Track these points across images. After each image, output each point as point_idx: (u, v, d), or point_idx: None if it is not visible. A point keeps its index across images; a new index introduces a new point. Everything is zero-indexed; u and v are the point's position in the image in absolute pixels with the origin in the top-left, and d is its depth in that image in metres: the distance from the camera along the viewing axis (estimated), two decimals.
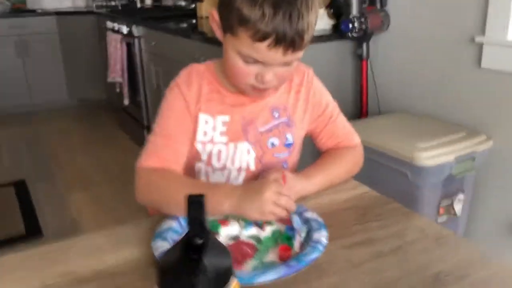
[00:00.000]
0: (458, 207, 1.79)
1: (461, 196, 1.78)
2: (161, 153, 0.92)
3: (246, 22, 0.79)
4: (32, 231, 2.41)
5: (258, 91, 0.90)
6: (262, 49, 0.80)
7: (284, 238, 0.80)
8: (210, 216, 0.83)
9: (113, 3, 4.73)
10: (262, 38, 0.79)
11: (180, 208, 0.83)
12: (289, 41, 0.79)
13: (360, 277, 0.70)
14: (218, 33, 0.90)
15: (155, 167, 0.91)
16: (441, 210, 1.76)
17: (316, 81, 1.04)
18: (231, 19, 0.82)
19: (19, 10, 4.50)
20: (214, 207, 0.80)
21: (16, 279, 0.72)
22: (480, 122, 1.79)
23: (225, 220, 0.84)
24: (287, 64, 0.85)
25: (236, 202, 0.80)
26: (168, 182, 0.88)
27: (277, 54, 0.81)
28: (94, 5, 4.75)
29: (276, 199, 0.78)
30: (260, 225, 0.82)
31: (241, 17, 0.79)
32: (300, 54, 0.85)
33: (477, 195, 1.85)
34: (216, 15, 0.88)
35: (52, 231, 2.42)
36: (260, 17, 0.78)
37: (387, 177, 1.73)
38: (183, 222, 0.84)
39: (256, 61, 0.84)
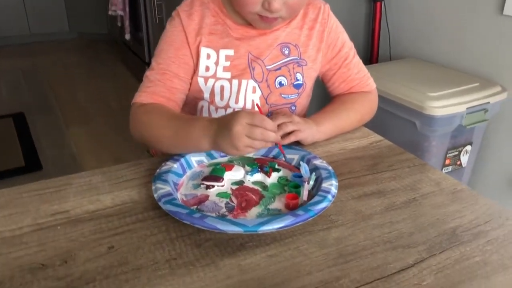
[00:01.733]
0: (464, 159, 1.76)
1: (468, 148, 1.74)
2: (154, 89, 0.88)
3: None
4: (31, 164, 2.39)
5: (266, 21, 0.83)
6: None
7: (291, 186, 0.75)
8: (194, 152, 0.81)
9: None
10: None
11: (163, 144, 0.83)
12: None
13: (370, 230, 0.66)
14: None
15: (146, 103, 0.87)
16: (447, 161, 1.73)
17: (333, 18, 0.96)
18: None
19: None
20: (195, 145, 0.77)
21: (6, 216, 0.68)
22: (496, 72, 1.71)
23: (229, 165, 0.79)
24: None
25: (213, 138, 0.74)
26: (152, 118, 0.85)
27: None
28: None
29: (248, 132, 0.69)
30: (266, 171, 0.78)
31: None
32: None
33: (485, 147, 1.81)
34: None
35: (52, 165, 2.40)
36: None
37: (395, 125, 1.68)
38: (185, 164, 0.80)
39: None
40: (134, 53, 3.52)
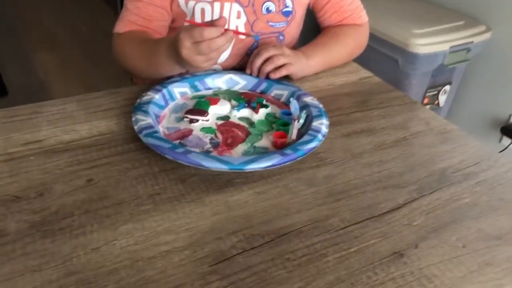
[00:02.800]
0: (442, 98, 1.76)
1: (447, 87, 1.74)
2: (130, 17, 0.84)
3: None
4: None
5: None
6: None
7: (279, 123, 0.72)
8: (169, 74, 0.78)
9: None
10: None
11: (142, 73, 0.82)
12: None
13: (359, 168, 0.64)
14: None
15: (122, 32, 0.84)
16: (426, 100, 1.72)
17: None
18: None
19: None
20: (168, 71, 0.77)
21: None
22: (481, 11, 1.68)
23: (215, 98, 0.75)
24: None
25: (177, 61, 0.70)
26: (126, 48, 0.82)
27: None
28: None
29: (196, 51, 0.65)
30: (254, 107, 0.74)
31: None
32: None
33: (463, 87, 1.81)
34: None
35: (18, 91, 2.29)
36: None
37: (376, 62, 1.63)
38: (167, 95, 0.75)
39: None
40: None
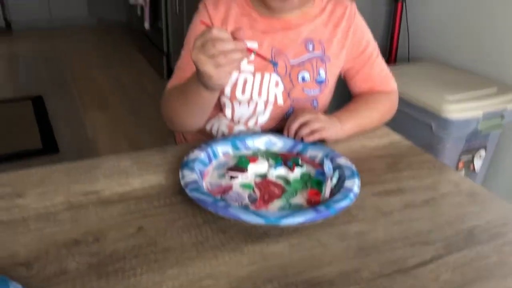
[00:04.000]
0: (478, 164, 1.77)
1: (482, 153, 1.75)
2: (178, 75, 0.92)
3: None
4: (48, 146, 2.43)
5: None
6: None
7: (314, 182, 0.77)
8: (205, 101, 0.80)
9: None
10: None
11: (181, 113, 0.85)
12: None
13: (389, 225, 0.68)
14: None
15: (169, 88, 0.91)
16: (460, 165, 1.74)
17: (359, 17, 0.97)
18: None
19: None
20: (197, 94, 0.77)
21: (41, 193, 0.71)
22: None
23: (254, 157, 0.82)
24: None
25: (198, 79, 0.73)
26: (170, 97, 0.88)
27: None
28: None
29: (204, 52, 0.66)
30: (290, 166, 0.80)
31: None
32: None
33: (499, 153, 1.81)
34: None
35: (68, 148, 2.44)
36: None
37: (410, 126, 1.68)
38: (211, 154, 0.83)
39: None
40: (152, 43, 3.55)
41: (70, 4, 4.46)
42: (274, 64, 0.83)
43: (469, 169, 1.75)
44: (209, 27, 0.66)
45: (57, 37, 4.28)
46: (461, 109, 1.56)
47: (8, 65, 3.62)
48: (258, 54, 0.76)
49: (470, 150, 1.72)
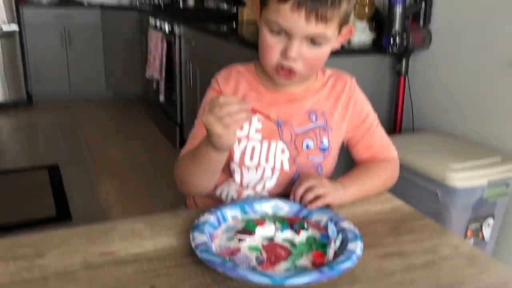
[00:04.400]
0: (487, 232, 1.77)
1: (490, 221, 1.76)
2: (191, 143, 0.97)
3: None
4: (62, 214, 2.49)
5: (284, 74, 0.91)
6: (286, 11, 0.84)
7: (319, 245, 0.81)
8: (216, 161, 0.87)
9: (156, 1, 4.84)
10: None
11: (193, 177, 0.93)
12: (312, 6, 0.82)
13: (390, 286, 0.71)
14: (258, 17, 0.94)
15: (182, 155, 0.98)
16: (469, 233, 1.74)
17: (358, 91, 1.05)
18: None
19: (67, 2, 4.65)
20: (208, 158, 0.85)
21: (60, 254, 0.76)
22: None
23: (262, 221, 0.86)
24: (312, 41, 0.87)
25: (208, 142, 0.81)
26: (183, 162, 0.95)
27: (299, 19, 0.84)
28: (137, 2, 4.87)
29: (214, 115, 0.75)
30: (296, 229, 0.84)
31: None
32: (325, 30, 0.86)
33: (508, 222, 1.82)
34: (257, 1, 0.93)
35: (81, 216, 2.49)
36: None
37: (417, 195, 1.72)
38: (220, 218, 0.87)
39: (281, 30, 0.87)
40: (167, 115, 3.69)
41: (89, 79, 4.71)
42: (278, 124, 0.90)
43: (478, 238, 1.76)
44: (217, 94, 0.76)
45: (76, 109, 4.47)
46: (466, 178, 1.60)
47: (27, 135, 3.77)
48: (261, 113, 0.84)
49: (478, 219, 1.73)
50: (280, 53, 0.89)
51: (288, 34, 0.87)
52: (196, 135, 0.99)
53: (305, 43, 0.88)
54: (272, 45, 0.89)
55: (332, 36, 0.88)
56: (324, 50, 0.90)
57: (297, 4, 0.83)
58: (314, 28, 0.85)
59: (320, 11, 0.83)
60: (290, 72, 0.91)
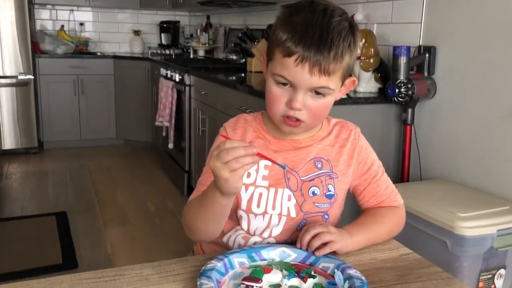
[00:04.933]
0: (498, 283, 1.74)
1: (502, 271, 1.73)
2: (199, 190, 0.99)
3: (280, 41, 0.89)
4: (68, 262, 2.47)
5: (289, 123, 0.94)
6: (290, 64, 0.88)
7: None
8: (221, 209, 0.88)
9: (167, 51, 4.99)
10: (291, 53, 0.87)
11: (203, 222, 0.93)
12: (315, 60, 0.86)
13: None
14: (264, 69, 0.99)
15: (190, 200, 0.99)
16: (481, 284, 1.71)
17: (363, 139, 1.07)
18: (271, 45, 0.93)
19: (81, 52, 4.81)
20: (215, 203, 0.86)
21: None
22: None
23: (268, 268, 0.86)
24: (316, 92, 0.91)
25: (215, 187, 0.83)
26: (189, 208, 0.97)
27: (303, 72, 0.87)
28: (149, 52, 5.02)
29: (220, 160, 0.77)
30: (303, 276, 0.84)
31: (277, 39, 0.90)
32: (328, 82, 0.89)
33: None
34: (264, 54, 0.98)
35: (87, 264, 2.47)
36: (292, 36, 0.87)
37: (426, 244, 1.70)
38: (228, 264, 0.87)
39: (286, 82, 0.90)
40: (175, 161, 3.73)
41: (100, 126, 4.80)
42: (283, 167, 0.92)
43: None
44: (225, 139, 0.80)
45: (85, 156, 4.53)
46: (475, 226, 1.59)
47: (37, 182, 3.81)
48: (267, 158, 0.86)
49: (489, 269, 1.70)
50: (285, 104, 0.93)
51: (293, 86, 0.91)
52: (204, 182, 1.00)
53: (309, 94, 0.91)
54: (278, 96, 0.93)
55: (335, 87, 0.92)
56: (328, 100, 0.94)
57: (301, 59, 0.87)
58: (318, 81, 0.89)
59: (323, 65, 0.87)
60: (296, 121, 0.94)
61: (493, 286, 1.73)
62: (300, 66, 0.87)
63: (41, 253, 2.54)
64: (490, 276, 1.71)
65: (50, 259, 2.49)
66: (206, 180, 1.00)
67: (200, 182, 1.03)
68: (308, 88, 0.90)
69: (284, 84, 0.92)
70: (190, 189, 3.30)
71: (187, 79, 3.36)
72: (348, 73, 0.93)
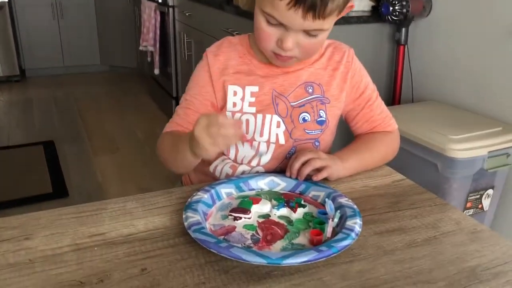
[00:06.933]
0: (486, 202, 1.76)
1: (490, 192, 1.74)
2: (177, 120, 0.98)
3: None
4: (58, 190, 2.46)
5: (280, 59, 0.89)
6: (282, 7, 0.79)
7: (316, 222, 0.78)
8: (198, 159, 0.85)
9: None
10: None
11: (171, 165, 0.94)
12: (309, 4, 0.78)
13: (391, 264, 0.68)
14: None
15: (167, 131, 0.97)
16: (469, 204, 1.73)
17: (357, 62, 1.01)
18: None
19: None
20: (187, 160, 0.84)
21: (48, 236, 0.73)
22: None
23: (257, 198, 0.83)
24: (309, 33, 0.84)
25: (190, 147, 0.80)
26: (165, 144, 0.95)
27: (296, 16, 0.80)
28: None
29: (207, 132, 0.74)
30: (292, 206, 0.81)
31: None
32: (322, 25, 0.82)
33: (507, 192, 1.81)
34: None
35: (78, 192, 2.47)
36: None
37: (416, 166, 1.69)
38: (215, 195, 0.84)
39: (277, 23, 0.83)
40: (162, 87, 3.64)
41: (83, 53, 4.63)
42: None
43: (477, 209, 1.74)
44: (216, 113, 0.79)
45: (70, 84, 4.41)
46: (466, 148, 1.57)
47: (21, 111, 3.72)
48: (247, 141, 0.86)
49: (478, 190, 1.71)
50: (276, 42, 0.86)
51: (284, 26, 0.83)
52: (183, 116, 0.97)
53: (302, 33, 0.84)
54: (269, 34, 0.86)
55: (330, 26, 0.85)
56: (321, 38, 0.87)
57: (294, 3, 0.78)
58: (311, 24, 0.81)
59: (318, 10, 0.78)
60: (288, 58, 0.89)
61: (480, 205, 1.75)
62: (293, 10, 0.78)
63: (30, 183, 2.53)
64: (478, 196, 1.73)
65: (40, 189, 2.47)
66: (185, 113, 0.97)
67: (178, 113, 0.99)
68: (300, 30, 0.83)
69: (275, 24, 0.84)
70: None
71: (171, 0, 3.19)
72: (344, 7, 0.84)
